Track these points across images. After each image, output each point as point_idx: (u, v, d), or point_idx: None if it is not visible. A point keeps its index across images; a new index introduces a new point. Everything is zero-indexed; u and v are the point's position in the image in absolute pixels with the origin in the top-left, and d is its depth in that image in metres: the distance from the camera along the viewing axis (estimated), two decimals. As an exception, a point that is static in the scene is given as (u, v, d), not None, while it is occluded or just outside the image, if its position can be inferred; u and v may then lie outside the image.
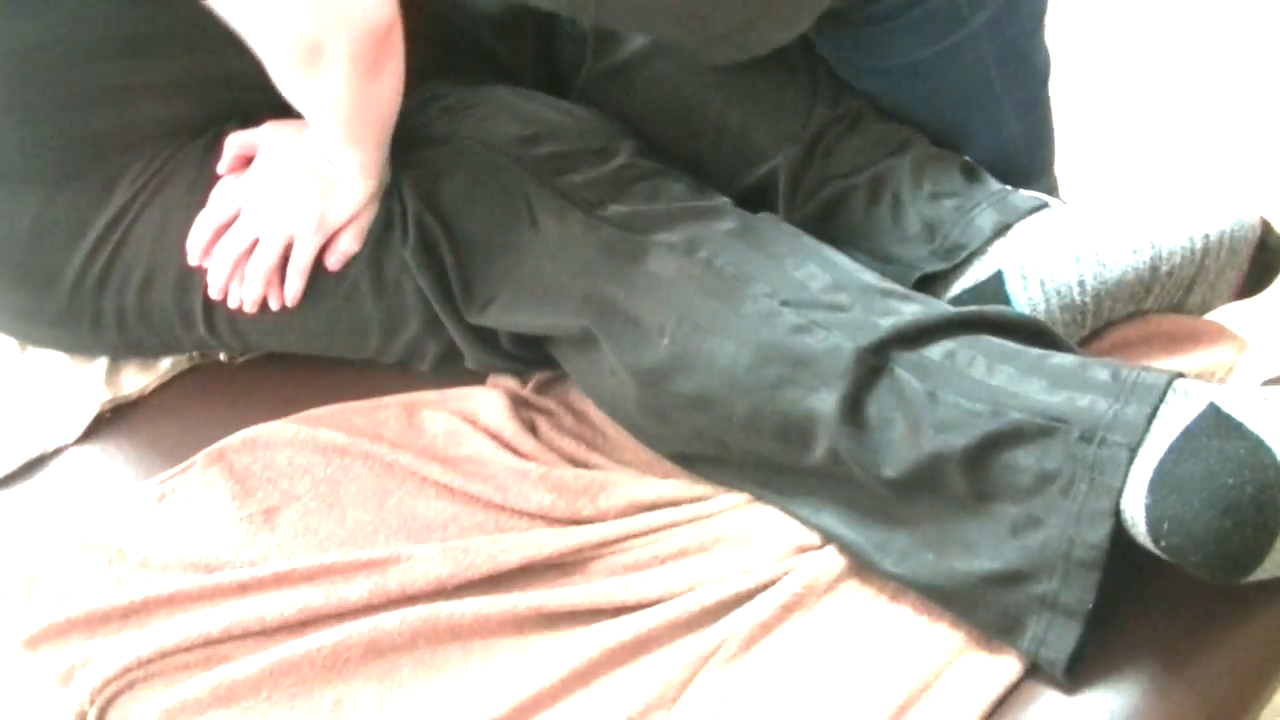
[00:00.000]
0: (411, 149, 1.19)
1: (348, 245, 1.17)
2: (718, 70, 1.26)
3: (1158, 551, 0.93)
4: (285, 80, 1.07)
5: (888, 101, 1.28)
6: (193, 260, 1.17)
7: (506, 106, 1.22)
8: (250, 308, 1.18)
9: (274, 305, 1.18)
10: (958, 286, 1.16)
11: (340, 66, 1.03)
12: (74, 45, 1.13)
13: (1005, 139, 1.31)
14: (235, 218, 1.17)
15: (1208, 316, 1.18)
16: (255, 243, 1.16)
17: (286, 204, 1.16)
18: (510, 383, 1.23)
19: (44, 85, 1.14)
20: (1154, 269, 1.11)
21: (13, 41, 1.13)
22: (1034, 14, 1.28)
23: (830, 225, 1.22)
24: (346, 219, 1.16)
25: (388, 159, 1.18)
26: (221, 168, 1.17)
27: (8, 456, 1.25)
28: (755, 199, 1.24)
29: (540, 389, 1.23)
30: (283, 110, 1.12)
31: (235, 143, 1.18)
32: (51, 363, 1.31)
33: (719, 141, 1.27)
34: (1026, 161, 1.34)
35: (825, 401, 1.01)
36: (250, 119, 1.20)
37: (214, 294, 1.18)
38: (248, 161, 1.18)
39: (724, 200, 1.17)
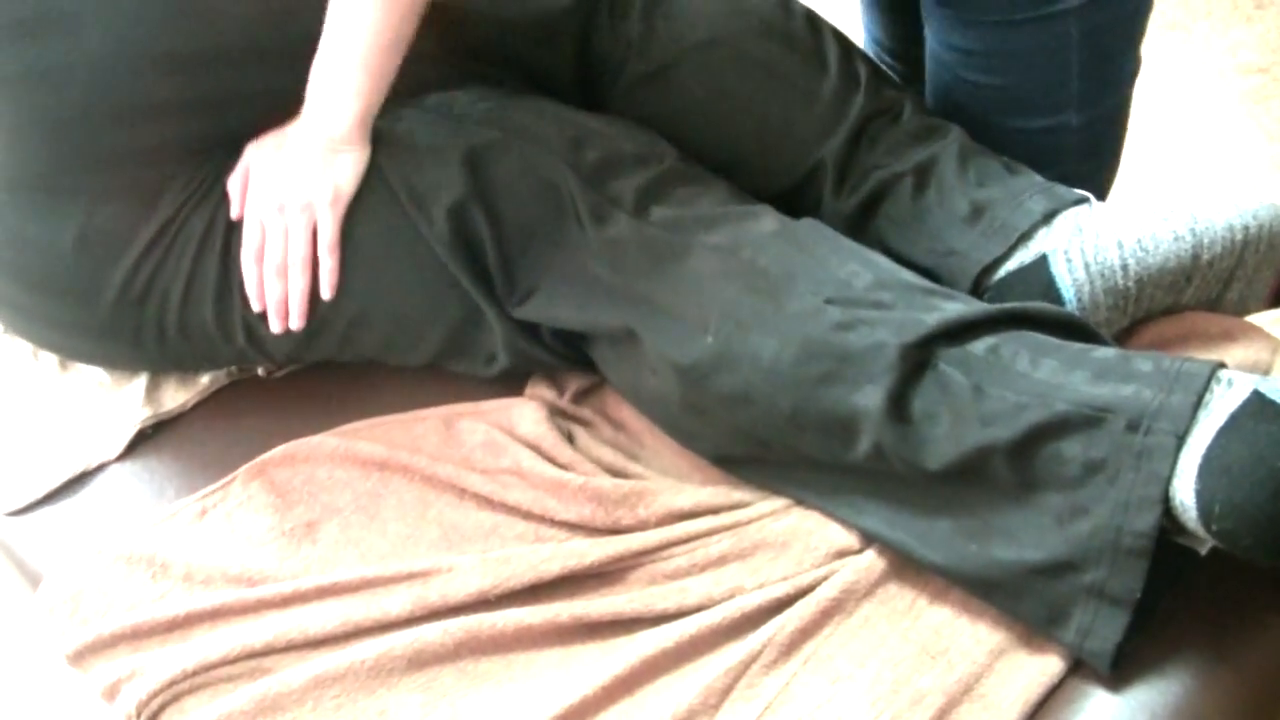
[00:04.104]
0: (449, 142, 1.19)
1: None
2: (757, 67, 1.27)
3: (1208, 537, 0.93)
4: None
5: (964, 63, 1.30)
6: (256, 307, 1.19)
7: (549, 111, 1.23)
8: (299, 305, 1.18)
9: (325, 294, 1.18)
10: (1003, 269, 1.16)
11: None
12: (120, 61, 1.15)
13: (1061, 129, 1.32)
14: (264, 240, 1.18)
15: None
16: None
17: (296, 193, 1.17)
18: (547, 393, 1.23)
19: (88, 101, 1.15)
20: (1195, 256, 1.11)
21: (56, 57, 1.14)
22: (1129, 15, 1.28)
23: (878, 213, 1.24)
24: (355, 184, 1.18)
25: (372, 122, 1.18)
26: (233, 214, 1.19)
27: (51, 473, 1.26)
28: (802, 193, 1.26)
29: (578, 399, 1.24)
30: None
31: (234, 184, 1.20)
32: (92, 380, 1.32)
33: (762, 138, 1.28)
34: (1075, 162, 1.34)
35: (869, 397, 1.02)
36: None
37: (275, 325, 1.19)
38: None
39: (764, 205, 1.19)
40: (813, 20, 1.31)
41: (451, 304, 1.19)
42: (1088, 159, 1.37)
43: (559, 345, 1.20)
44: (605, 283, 1.14)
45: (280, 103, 1.19)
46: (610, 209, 1.16)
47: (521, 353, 1.21)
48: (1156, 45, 2.32)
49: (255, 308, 1.19)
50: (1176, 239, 1.11)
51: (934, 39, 1.33)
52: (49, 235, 1.19)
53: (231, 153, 1.21)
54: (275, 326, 1.19)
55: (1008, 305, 1.07)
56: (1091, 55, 1.27)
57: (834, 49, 1.30)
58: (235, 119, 1.21)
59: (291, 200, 1.16)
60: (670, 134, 1.27)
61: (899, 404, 1.02)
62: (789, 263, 1.10)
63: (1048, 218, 1.16)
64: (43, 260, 1.21)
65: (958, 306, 1.06)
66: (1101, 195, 1.40)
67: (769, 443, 1.09)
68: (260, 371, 1.31)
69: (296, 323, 1.19)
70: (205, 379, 1.31)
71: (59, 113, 1.16)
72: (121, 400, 1.30)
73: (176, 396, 1.30)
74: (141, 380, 1.31)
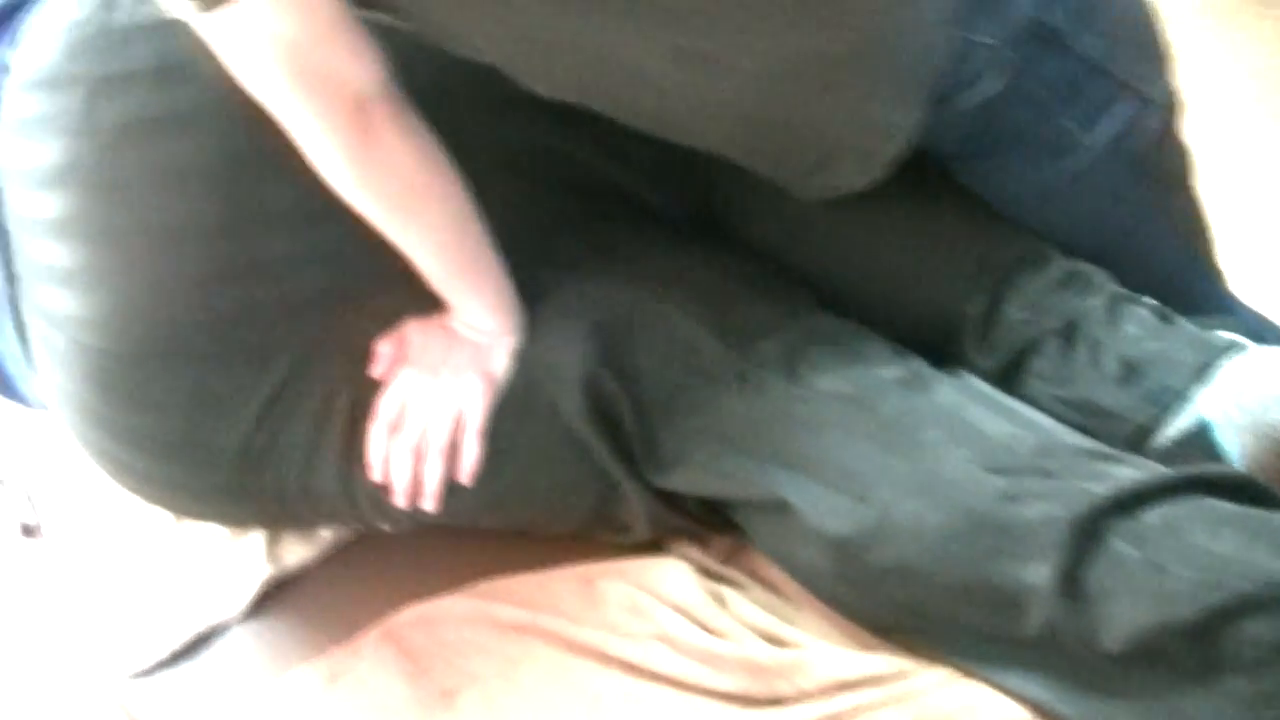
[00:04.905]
0: (579, 306, 1.16)
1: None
2: (890, 214, 1.23)
3: None
4: (350, 165, 1.05)
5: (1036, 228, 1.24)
6: (377, 476, 1.15)
7: (682, 262, 1.20)
8: (434, 491, 1.15)
9: (465, 480, 1.15)
10: (1163, 436, 1.11)
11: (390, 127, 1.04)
12: (240, 218, 1.12)
13: (1162, 251, 1.27)
14: (401, 415, 1.15)
15: None
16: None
17: (449, 377, 1.15)
18: (694, 552, 1.18)
19: (201, 259, 1.13)
20: None
21: (169, 216, 1.12)
22: (1157, 124, 1.23)
23: (1025, 369, 1.18)
24: (506, 370, 1.15)
25: (515, 303, 1.16)
26: (375, 372, 1.15)
27: (170, 634, 1.22)
28: (941, 346, 1.21)
29: (726, 557, 1.18)
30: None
31: (385, 346, 1.16)
32: (209, 533, 1.28)
33: (896, 289, 1.24)
34: (1189, 265, 1.30)
35: (1039, 574, 0.97)
36: (399, 287, 1.17)
37: (400, 501, 1.16)
38: (398, 361, 1.16)
39: (917, 362, 1.14)
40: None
41: (589, 479, 1.15)
42: (1197, 258, 1.32)
43: (703, 512, 1.16)
44: (753, 451, 1.10)
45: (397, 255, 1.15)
46: (755, 372, 1.12)
47: (662, 522, 1.17)
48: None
49: (375, 477, 1.15)
50: None
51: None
52: (161, 399, 1.16)
53: (348, 307, 1.16)
54: (400, 502, 1.15)
55: (1179, 471, 1.02)
56: (1143, 177, 1.22)
57: (967, 193, 1.25)
58: (352, 274, 1.17)
59: (444, 383, 1.14)
60: (800, 276, 1.23)
61: (1070, 581, 0.97)
62: (947, 429, 1.06)
63: (1202, 372, 1.11)
64: (155, 424, 1.17)
65: (1128, 473, 1.01)
66: (1221, 277, 1.34)
67: (930, 615, 1.05)
68: (387, 528, 1.26)
69: (432, 506, 1.15)
70: (328, 534, 1.27)
71: (170, 273, 1.13)
72: (241, 555, 1.26)
73: (298, 552, 1.26)
74: (260, 536, 1.27)
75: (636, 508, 1.15)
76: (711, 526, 1.17)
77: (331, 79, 1.01)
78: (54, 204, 1.13)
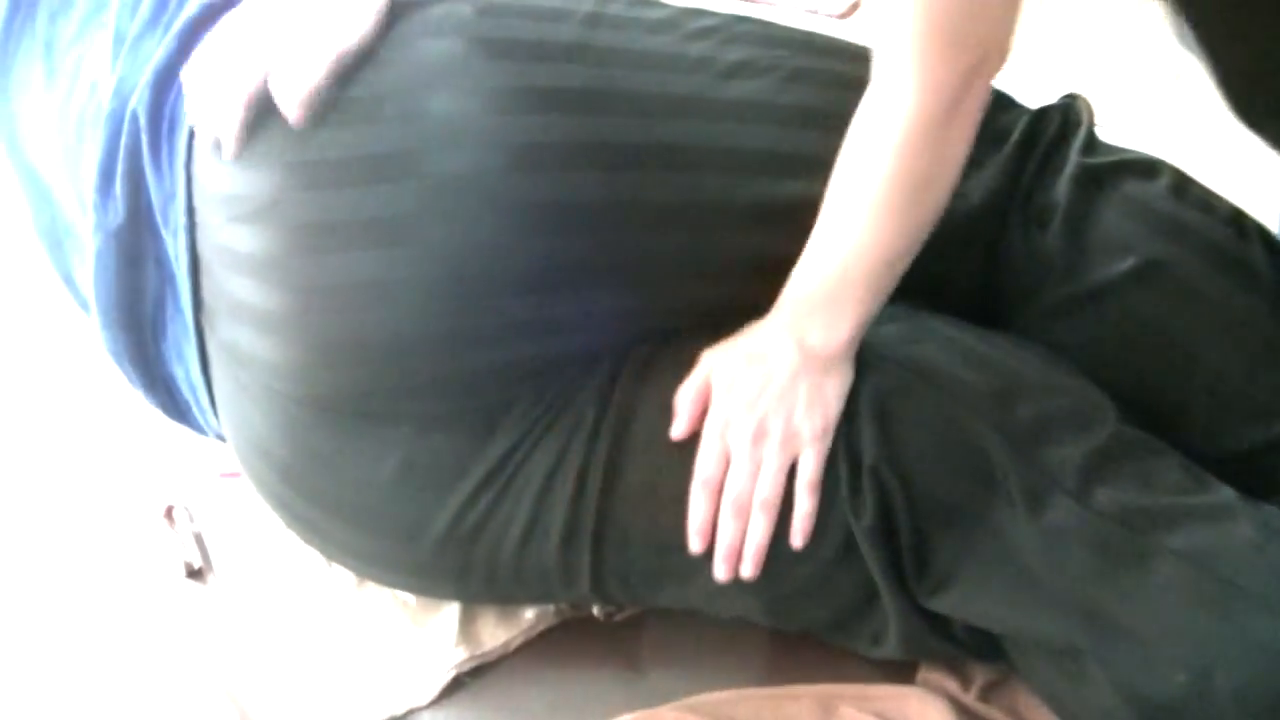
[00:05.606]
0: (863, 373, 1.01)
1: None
2: (1217, 309, 1.07)
3: None
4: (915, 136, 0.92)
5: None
6: (696, 547, 0.99)
7: (958, 346, 1.04)
8: (756, 550, 0.98)
9: (796, 541, 0.99)
10: None
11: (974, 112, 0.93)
12: (463, 278, 0.98)
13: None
14: (725, 470, 0.99)
15: None
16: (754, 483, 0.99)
17: (780, 421, 0.98)
18: (951, 683, 1.04)
19: (418, 321, 0.99)
20: None
21: (385, 269, 0.97)
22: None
23: None
24: (841, 408, 0.99)
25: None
26: (678, 431, 0.99)
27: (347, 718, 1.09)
28: (1256, 467, 1.05)
29: (985, 693, 1.04)
30: (667, 338, 1.01)
31: (685, 397, 1.00)
32: (395, 600, 1.15)
33: (1214, 393, 1.07)
34: None
35: None
36: (642, 348, 1.04)
37: (721, 571, 0.99)
38: (703, 410, 1.00)
39: (1228, 493, 0.98)
40: (1272, 245, 1.11)
41: (846, 583, 1.01)
42: None
43: (969, 638, 1.02)
44: (1044, 583, 0.95)
45: (642, 321, 1.04)
46: (1048, 487, 0.96)
47: (919, 644, 1.02)
48: None
49: (695, 547, 0.99)
50: None
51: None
52: (364, 465, 1.03)
53: (580, 372, 1.02)
54: (721, 573, 0.99)
55: None
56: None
57: None
58: (593, 338, 1.03)
59: (774, 428, 0.97)
60: (1091, 374, 1.07)
61: None
62: (1273, 580, 0.91)
63: None
64: (355, 492, 1.04)
65: None
66: None
67: None
68: (596, 611, 1.13)
69: (750, 570, 0.99)
70: (530, 614, 1.14)
71: (381, 331, 0.99)
72: (432, 634, 1.13)
73: (496, 635, 1.13)
74: (454, 609, 1.14)
75: (892, 625, 1.01)
76: (974, 653, 1.03)
77: (970, 38, 0.90)
78: (254, 240, 1.00)
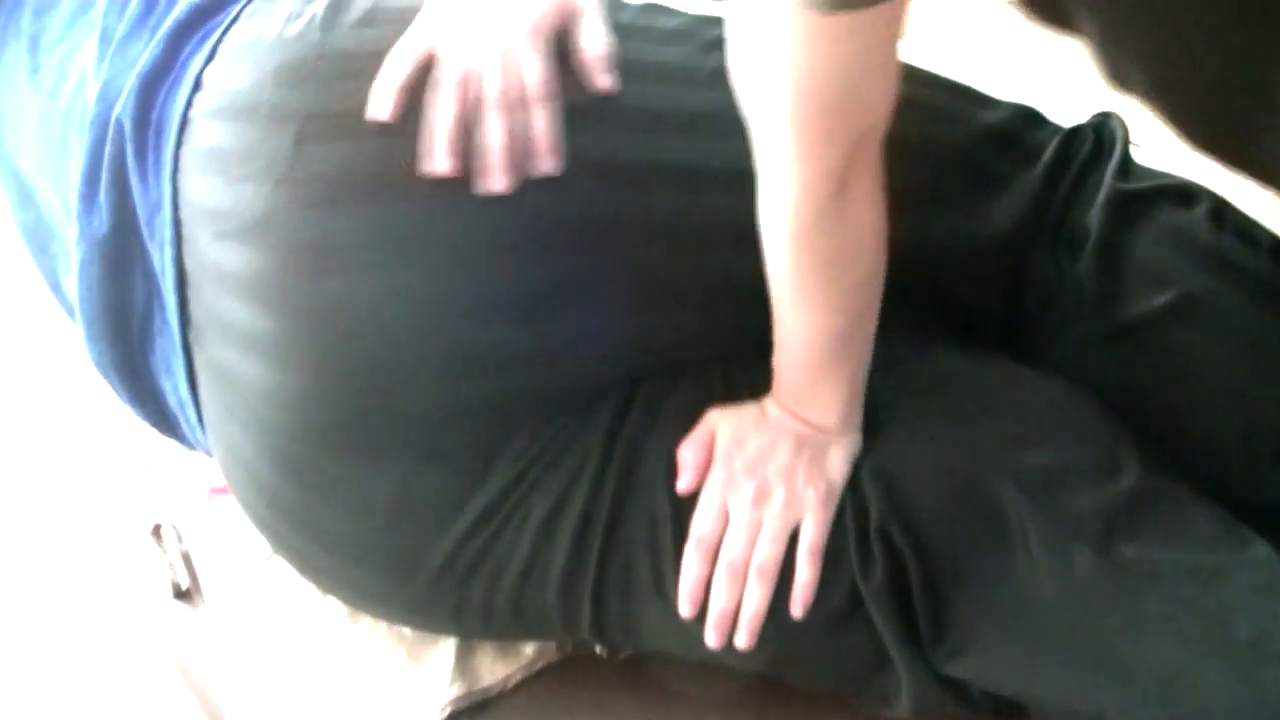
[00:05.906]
0: (865, 433, 0.97)
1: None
2: (1258, 346, 1.01)
3: None
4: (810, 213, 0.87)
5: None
6: (686, 611, 0.95)
7: (980, 390, 0.99)
8: (753, 620, 0.94)
9: (796, 610, 0.94)
10: None
11: (869, 176, 0.87)
12: (456, 302, 0.93)
13: None
14: (723, 531, 0.95)
15: None
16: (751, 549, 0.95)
17: (784, 485, 0.94)
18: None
19: (412, 348, 0.94)
20: None
21: (373, 291, 0.93)
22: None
23: None
24: (846, 476, 0.95)
25: (862, 399, 0.97)
26: (683, 485, 0.95)
27: (341, 755, 1.05)
28: None
29: (1003, 749, 0.99)
30: (673, 371, 0.98)
31: (689, 452, 0.96)
32: (391, 638, 1.10)
33: (1252, 436, 1.01)
34: None
35: None
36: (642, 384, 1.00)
37: (712, 639, 0.95)
38: (706, 466, 0.96)
39: (1262, 549, 0.92)
40: (1314, 278, 1.05)
41: (859, 645, 0.96)
42: None
43: (987, 700, 0.97)
44: (1067, 644, 0.91)
45: (657, 345, 0.99)
46: (1068, 540, 0.91)
47: (934, 706, 0.97)
48: None
49: (685, 611, 0.95)
50: None
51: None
52: (356, 497, 0.98)
53: (582, 408, 0.98)
54: (713, 640, 0.95)
55: None
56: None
57: None
58: (591, 369, 0.98)
59: (777, 491, 0.94)
60: (1123, 412, 1.01)
61: None
62: None
63: None
64: (350, 524, 1.00)
65: None
66: None
67: None
68: (599, 649, 1.08)
69: (745, 641, 0.94)
70: (530, 649, 1.10)
71: (372, 358, 0.94)
72: (428, 668, 1.09)
73: (495, 670, 1.09)
74: (451, 643, 1.09)
75: (905, 688, 0.96)
76: (992, 712, 0.98)
77: (853, 110, 0.83)
78: (243, 258, 0.95)
